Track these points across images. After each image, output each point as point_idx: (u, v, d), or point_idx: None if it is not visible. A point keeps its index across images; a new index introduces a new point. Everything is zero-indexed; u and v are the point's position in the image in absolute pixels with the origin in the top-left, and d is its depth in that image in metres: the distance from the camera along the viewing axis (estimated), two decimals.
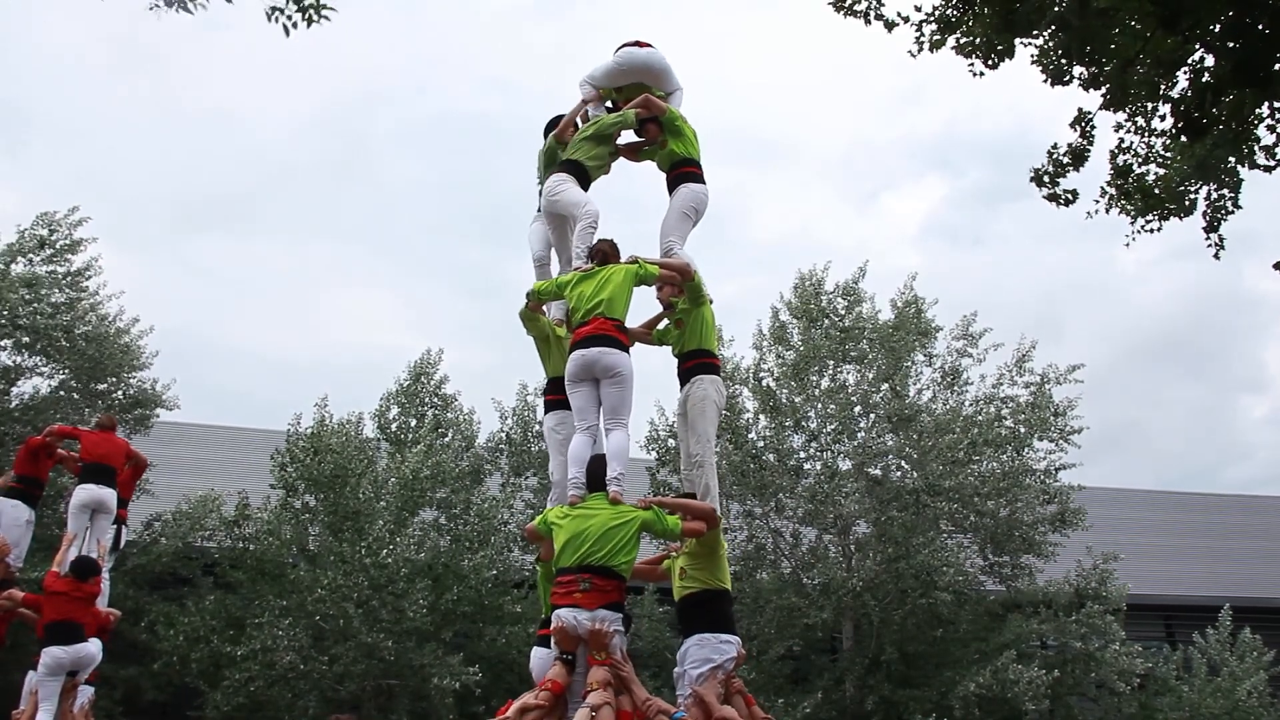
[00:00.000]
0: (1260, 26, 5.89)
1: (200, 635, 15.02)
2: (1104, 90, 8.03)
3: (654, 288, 6.87)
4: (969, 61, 8.19)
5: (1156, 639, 21.49)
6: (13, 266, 16.60)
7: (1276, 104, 7.36)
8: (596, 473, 6.01)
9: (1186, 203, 8.55)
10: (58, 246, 17.06)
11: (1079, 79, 8.10)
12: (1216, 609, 20.03)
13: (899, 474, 18.08)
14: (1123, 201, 8.74)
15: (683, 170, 7.21)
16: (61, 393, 17.06)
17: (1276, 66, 5.95)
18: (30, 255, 16.87)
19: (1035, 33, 7.80)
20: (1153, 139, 8.49)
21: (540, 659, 6.17)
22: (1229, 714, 17.70)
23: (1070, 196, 8.70)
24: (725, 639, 5.86)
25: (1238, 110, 7.41)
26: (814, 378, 18.14)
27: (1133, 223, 8.82)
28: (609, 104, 7.69)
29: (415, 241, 62.64)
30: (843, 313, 18.52)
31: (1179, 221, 8.67)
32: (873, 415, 18.01)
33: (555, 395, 6.78)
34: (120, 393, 17.52)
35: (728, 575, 6.20)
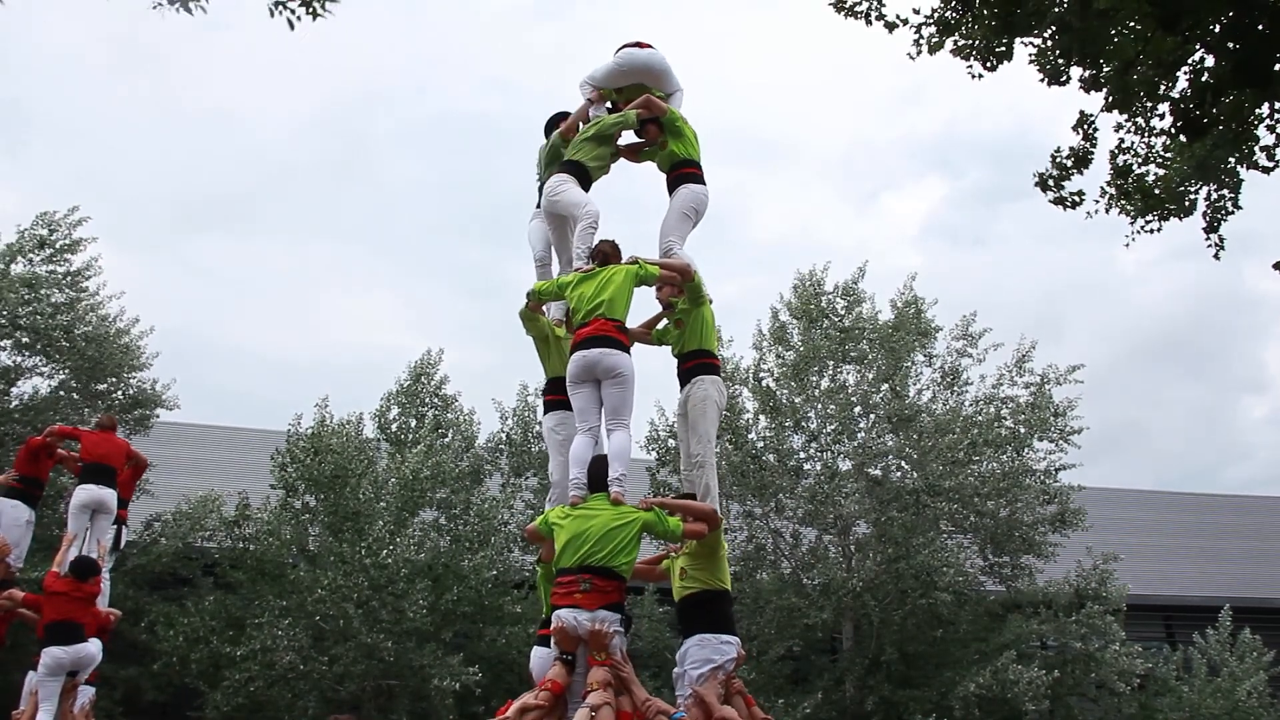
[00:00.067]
0: (1260, 27, 5.89)
1: (200, 635, 15.01)
2: (1105, 93, 8.02)
3: (654, 288, 6.88)
4: (967, 65, 8.19)
5: (1156, 639, 21.48)
6: (13, 266, 16.60)
7: (1276, 104, 7.36)
8: (598, 473, 6.00)
9: (1186, 203, 8.55)
10: (57, 246, 17.05)
11: (1079, 80, 8.10)
12: (1216, 609, 20.04)
13: (899, 474, 18.08)
14: (1123, 201, 8.74)
15: (683, 171, 7.22)
16: (61, 393, 17.05)
17: (1277, 67, 5.95)
18: (30, 255, 16.86)
19: (1035, 32, 7.80)
20: (1153, 139, 8.49)
21: (540, 659, 6.17)
22: (1229, 714, 17.71)
23: (1076, 199, 8.70)
24: (726, 639, 5.87)
25: (1238, 110, 7.41)
26: (814, 378, 18.14)
27: (1133, 223, 8.82)
28: (609, 105, 7.70)
29: (415, 241, 62.71)
30: (842, 313, 18.51)
31: (1179, 221, 8.67)
32: (873, 415, 18.01)
33: (555, 395, 6.78)
34: (120, 393, 17.51)
35: (728, 576, 6.21)
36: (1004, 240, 66.19)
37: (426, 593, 15.07)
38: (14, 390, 16.88)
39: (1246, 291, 58.18)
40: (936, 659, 17.05)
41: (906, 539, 16.55)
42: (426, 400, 18.98)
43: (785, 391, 18.23)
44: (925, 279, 57.41)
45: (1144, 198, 8.59)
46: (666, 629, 16.97)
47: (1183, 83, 7.75)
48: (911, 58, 8.35)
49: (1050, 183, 8.71)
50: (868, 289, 18.91)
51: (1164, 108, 8.05)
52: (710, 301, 6.92)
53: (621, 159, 7.57)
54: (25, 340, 16.43)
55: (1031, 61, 8.22)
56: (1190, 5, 5.99)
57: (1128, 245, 8.96)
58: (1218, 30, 6.32)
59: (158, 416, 18.24)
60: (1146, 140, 8.51)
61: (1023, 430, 17.63)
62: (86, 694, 10.35)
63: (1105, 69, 7.88)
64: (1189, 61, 7.59)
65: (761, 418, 18.32)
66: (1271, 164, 7.88)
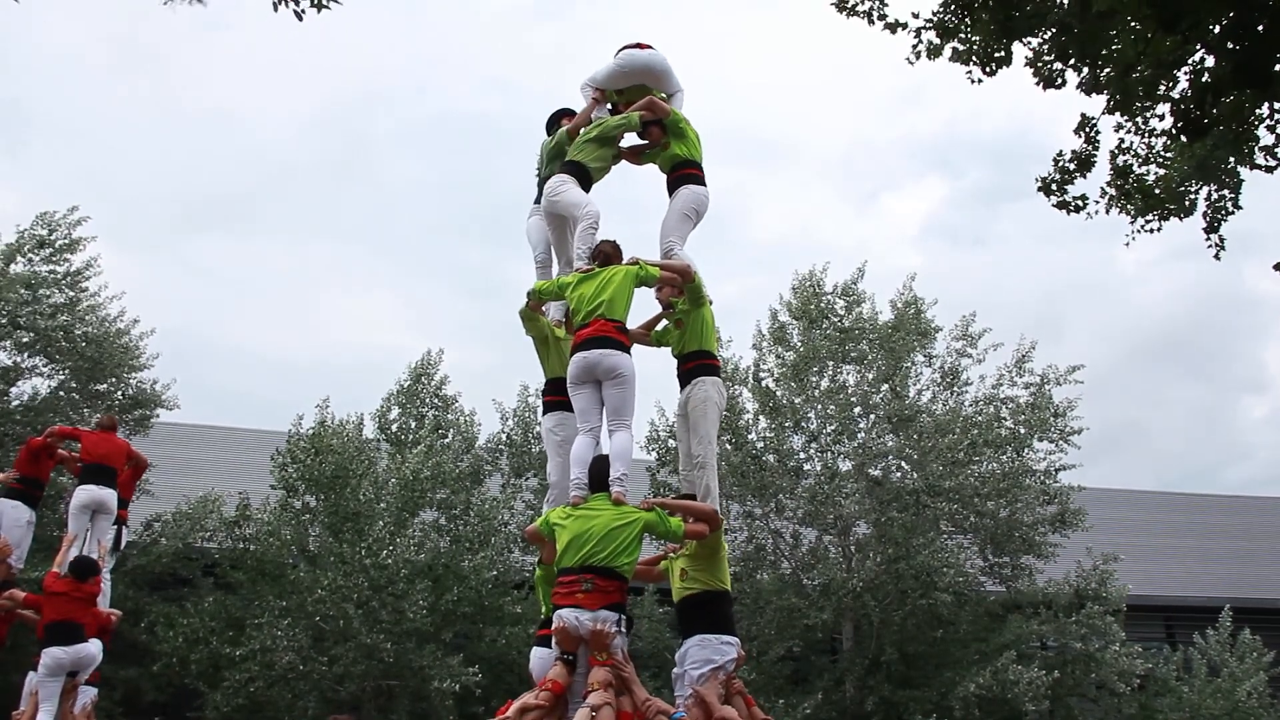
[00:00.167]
0: (1260, 27, 5.89)
1: (200, 636, 15.02)
2: (1107, 96, 8.02)
3: (654, 289, 6.88)
4: (966, 69, 8.18)
5: (1156, 640, 21.49)
6: (12, 266, 16.60)
7: (1276, 104, 7.35)
8: (599, 473, 6.01)
9: (1186, 203, 8.54)
10: (57, 246, 17.06)
11: (1079, 82, 8.09)
12: (1216, 609, 20.04)
13: (899, 475, 18.09)
14: (1123, 202, 8.73)
15: (684, 172, 7.22)
16: (61, 393, 17.05)
17: (1277, 67, 5.95)
18: (30, 255, 16.87)
19: (1036, 34, 7.79)
20: (1153, 139, 8.48)
21: (540, 659, 6.17)
22: (1229, 715, 17.72)
23: (1080, 203, 8.69)
24: (726, 640, 5.87)
25: (1238, 110, 7.40)
26: (814, 378, 18.15)
27: (1133, 223, 8.81)
28: (609, 106, 7.70)
29: (415, 241, 62.67)
30: (842, 313, 18.52)
31: (1179, 221, 8.65)
32: (873, 416, 18.01)
33: (554, 396, 6.78)
34: (120, 393, 17.51)
35: (728, 576, 6.22)
36: (1004, 240, 66.23)
37: (426, 593, 15.07)
38: (14, 390, 16.88)
39: (1246, 292, 58.22)
40: (936, 659, 17.06)
41: (906, 539, 16.56)
42: (427, 400, 18.98)
43: (785, 392, 18.24)
44: (925, 279, 57.58)
45: (1144, 198, 8.58)
46: (666, 629, 16.97)
47: (1183, 83, 7.74)
48: (910, 62, 8.34)
49: (1053, 187, 8.70)
50: (867, 289, 18.94)
51: (1164, 108, 8.04)
52: (710, 302, 6.93)
53: (623, 161, 7.57)
54: (25, 340, 16.43)
55: (1027, 65, 8.22)
56: (1190, 5, 5.98)
57: (1128, 245, 8.96)
58: (1218, 30, 6.31)
59: (158, 417, 18.24)
60: (1147, 140, 8.50)
61: (1023, 430, 17.64)
62: (88, 694, 10.36)
63: (1106, 71, 7.88)
64: (1189, 62, 7.59)
65: (761, 418, 18.33)
66: (1271, 164, 7.87)
